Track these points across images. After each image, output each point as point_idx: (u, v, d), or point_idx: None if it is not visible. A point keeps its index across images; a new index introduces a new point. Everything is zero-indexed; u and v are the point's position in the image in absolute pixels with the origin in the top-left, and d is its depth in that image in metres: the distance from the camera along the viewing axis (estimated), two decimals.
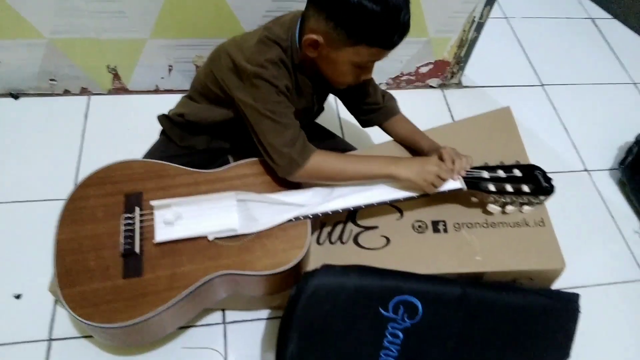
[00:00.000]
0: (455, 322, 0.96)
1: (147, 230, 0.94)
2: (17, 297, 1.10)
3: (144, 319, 0.86)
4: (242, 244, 0.94)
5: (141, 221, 0.95)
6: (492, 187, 1.03)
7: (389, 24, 0.85)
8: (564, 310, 1.06)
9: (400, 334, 0.94)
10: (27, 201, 1.23)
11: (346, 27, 0.85)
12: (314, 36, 0.89)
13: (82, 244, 0.92)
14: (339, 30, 0.86)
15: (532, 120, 1.54)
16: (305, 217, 0.97)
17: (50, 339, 1.05)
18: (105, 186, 0.99)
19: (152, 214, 0.95)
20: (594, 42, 1.88)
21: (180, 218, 0.95)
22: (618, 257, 1.32)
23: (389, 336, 0.94)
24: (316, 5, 0.88)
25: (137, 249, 0.91)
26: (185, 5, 1.27)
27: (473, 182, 1.03)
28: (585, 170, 1.49)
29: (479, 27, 1.46)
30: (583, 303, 1.14)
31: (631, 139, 1.46)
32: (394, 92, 1.20)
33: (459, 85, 1.64)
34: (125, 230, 0.93)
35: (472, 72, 1.65)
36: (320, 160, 0.96)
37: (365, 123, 1.21)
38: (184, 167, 1.02)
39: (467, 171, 1.03)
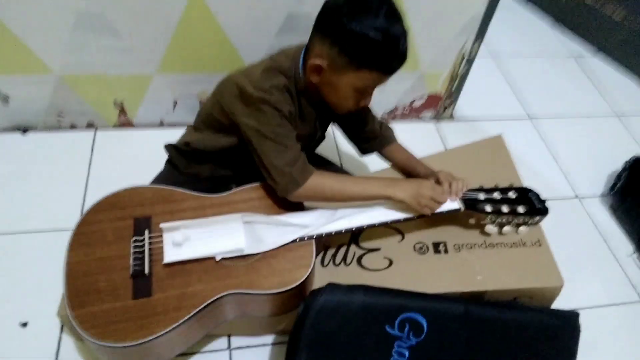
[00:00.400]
0: (459, 339, 0.98)
1: (156, 252, 0.96)
2: (24, 325, 1.10)
3: (153, 337, 0.86)
4: (249, 264, 0.96)
5: (150, 243, 0.97)
6: (488, 208, 1.07)
7: (389, 51, 0.91)
8: (565, 328, 1.08)
9: (407, 353, 0.96)
10: (34, 232, 1.25)
11: (350, 52, 0.91)
12: (318, 61, 0.95)
13: (92, 266, 0.94)
14: (342, 56, 0.92)
15: (522, 151, 1.60)
16: (310, 237, 1.00)
17: None
18: (115, 211, 1.02)
19: (160, 236, 0.98)
20: (577, 79, 1.98)
21: (188, 240, 0.97)
22: (613, 279, 1.35)
23: (395, 355, 0.95)
24: (322, 32, 0.95)
25: (146, 270, 0.93)
26: (190, 42, 1.33)
27: (470, 203, 1.07)
28: (577, 197, 1.54)
29: (469, 62, 1.54)
30: (585, 326, 1.18)
31: (618, 166, 1.52)
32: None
33: (451, 118, 1.71)
34: (135, 252, 0.96)
35: (464, 105, 1.73)
36: (319, 180, 1.00)
37: (363, 150, 1.26)
38: (191, 192, 1.06)
39: (464, 193, 1.08)
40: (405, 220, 1.04)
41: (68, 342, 1.09)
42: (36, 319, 1.11)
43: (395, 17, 0.93)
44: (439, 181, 1.07)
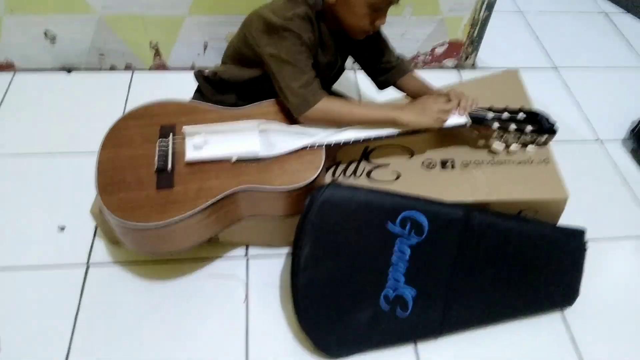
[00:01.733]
0: (460, 242, 1.02)
1: (179, 152, 1.05)
2: (62, 229, 1.22)
3: (172, 220, 0.95)
4: (262, 165, 1.04)
5: (174, 144, 1.06)
6: (495, 125, 1.11)
7: None
8: (570, 244, 1.11)
9: (408, 250, 1.01)
10: (74, 152, 1.37)
11: None
12: None
13: (121, 162, 1.04)
14: None
15: (545, 97, 1.59)
16: (320, 145, 1.06)
17: (88, 264, 1.16)
18: (143, 119, 1.11)
19: (183, 139, 1.07)
20: (607, 32, 1.95)
21: (207, 143, 1.06)
22: (632, 216, 1.35)
23: (397, 251, 1.01)
24: None
25: (169, 166, 1.02)
26: None
27: (477, 119, 1.10)
28: (598, 139, 1.54)
29: (490, 5, 1.56)
30: (599, 255, 1.19)
31: None
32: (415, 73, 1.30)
33: (474, 67, 1.74)
34: (160, 151, 1.05)
35: (487, 56, 1.75)
36: (329, 102, 1.05)
37: (381, 84, 1.30)
38: (213, 105, 1.14)
39: (472, 110, 1.11)
40: (413, 132, 1.09)
41: (100, 244, 1.19)
42: (72, 225, 1.22)
43: None
44: (449, 98, 1.11)
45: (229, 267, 1.17)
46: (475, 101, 1.12)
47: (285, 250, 1.21)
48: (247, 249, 1.21)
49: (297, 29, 1.04)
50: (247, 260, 1.19)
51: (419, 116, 1.06)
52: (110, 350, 1.04)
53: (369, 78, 1.32)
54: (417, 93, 1.25)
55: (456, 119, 1.09)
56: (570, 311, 1.14)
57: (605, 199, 1.39)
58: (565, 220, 1.14)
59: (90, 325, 1.07)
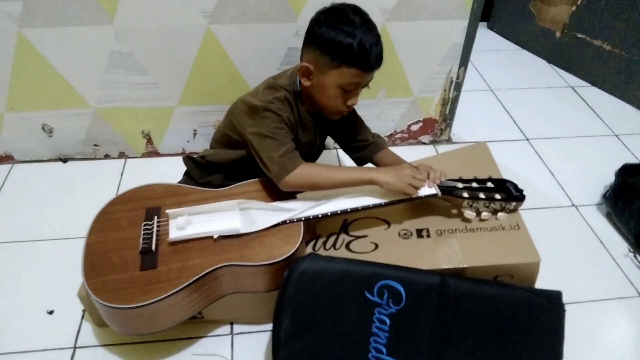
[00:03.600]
0: (438, 309, 1.04)
1: (163, 233, 1.10)
2: (50, 312, 1.23)
3: (156, 299, 0.98)
4: (243, 242, 1.08)
5: (158, 226, 1.11)
6: (465, 194, 1.16)
7: (362, 52, 1.07)
8: (548, 307, 1.11)
9: (387, 320, 1.03)
10: (66, 238, 1.42)
11: (330, 53, 1.08)
12: (306, 64, 1.12)
13: (107, 246, 1.09)
14: (324, 56, 1.09)
15: (519, 167, 1.69)
16: (299, 219, 1.11)
17: (75, 347, 1.17)
18: (129, 203, 1.17)
19: (167, 221, 1.12)
20: (575, 104, 2.07)
21: (190, 223, 1.11)
22: (611, 277, 1.37)
23: (376, 322, 1.02)
24: (308, 41, 1.14)
25: (153, 247, 1.07)
26: (206, 76, 1.54)
27: (447, 189, 1.17)
28: (573, 205, 1.59)
29: (458, 86, 1.68)
30: (581, 317, 1.21)
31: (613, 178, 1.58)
32: (390, 149, 1.39)
33: (449, 141, 1.83)
34: (144, 234, 1.10)
35: (461, 130, 1.85)
36: (309, 168, 1.13)
37: (358, 161, 1.38)
38: (196, 187, 1.21)
39: (442, 182, 1.18)
40: (387, 204, 1.15)
41: (87, 327, 1.20)
42: (61, 308, 1.24)
43: (366, 24, 1.10)
44: (419, 171, 1.18)
45: (213, 346, 1.18)
46: (443, 173, 1.19)
47: (270, 326, 1.21)
48: (232, 326, 1.22)
49: (277, 110, 1.14)
50: (232, 337, 1.20)
51: (394, 178, 1.12)
52: None
53: (348, 155, 1.40)
54: (390, 164, 1.32)
55: (427, 190, 1.15)
56: None
57: (585, 261, 1.41)
58: (546, 283, 1.16)
59: None
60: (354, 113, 1.34)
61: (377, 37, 1.11)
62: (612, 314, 1.29)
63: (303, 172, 1.11)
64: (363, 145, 1.36)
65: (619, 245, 1.46)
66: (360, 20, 1.10)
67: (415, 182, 1.13)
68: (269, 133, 1.13)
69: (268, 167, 1.13)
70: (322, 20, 1.11)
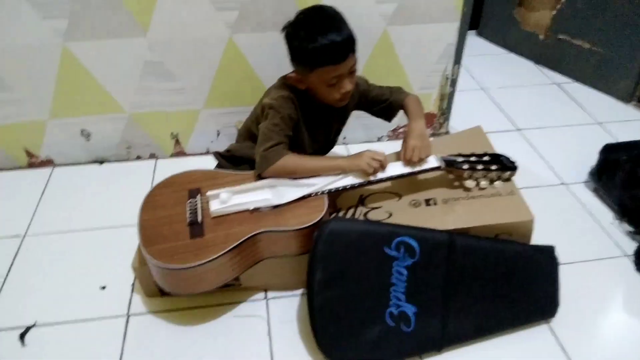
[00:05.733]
0: (448, 261, 1.20)
1: (205, 209, 1.26)
2: (103, 288, 1.39)
3: (206, 260, 1.14)
4: (276, 213, 1.25)
5: (201, 203, 1.28)
6: (465, 166, 1.34)
7: (325, 50, 1.19)
8: (543, 259, 1.29)
9: (405, 272, 1.19)
10: (116, 227, 1.58)
11: (302, 61, 1.25)
12: (294, 74, 1.30)
13: (158, 221, 1.25)
14: (300, 65, 1.26)
15: (513, 153, 1.80)
16: (322, 192, 1.28)
17: (129, 315, 1.32)
18: (173, 186, 1.34)
19: (207, 199, 1.28)
20: (560, 98, 2.27)
21: (229, 199, 1.27)
22: (599, 241, 1.54)
23: (395, 273, 1.19)
24: (289, 55, 1.29)
25: (199, 219, 1.23)
26: (228, 81, 1.72)
27: (449, 162, 1.34)
28: (563, 183, 1.77)
29: (453, 82, 1.87)
30: (572, 277, 1.36)
31: None
32: (393, 143, 1.54)
33: (447, 133, 2.01)
34: (189, 209, 1.26)
35: (458, 124, 2.03)
36: (287, 159, 1.27)
37: (388, 120, 1.53)
38: (231, 171, 1.38)
39: (445, 156, 1.35)
40: (396, 177, 1.32)
41: (137, 298, 1.36)
42: (112, 284, 1.40)
43: (324, 20, 1.22)
44: (405, 142, 1.34)
45: (251, 308, 1.34)
46: (428, 150, 1.33)
47: (299, 292, 1.38)
48: (265, 292, 1.38)
49: (279, 107, 1.30)
50: (267, 302, 1.35)
51: (353, 162, 1.29)
52: None
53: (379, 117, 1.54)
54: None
55: (432, 162, 1.33)
56: (556, 324, 1.29)
57: (575, 230, 1.58)
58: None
59: None
60: (366, 85, 1.47)
61: (337, 28, 1.20)
62: (602, 271, 1.45)
63: (281, 164, 1.26)
64: (386, 107, 1.48)
65: (606, 215, 1.64)
66: (318, 18, 1.23)
67: (373, 162, 1.28)
68: (265, 130, 1.29)
69: (255, 159, 1.30)
70: (288, 32, 1.27)
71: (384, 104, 1.47)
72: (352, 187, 1.30)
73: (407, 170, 1.32)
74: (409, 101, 1.44)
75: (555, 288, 1.29)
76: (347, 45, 1.22)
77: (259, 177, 1.31)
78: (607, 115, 2.14)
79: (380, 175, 1.31)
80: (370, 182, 1.30)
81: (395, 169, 1.33)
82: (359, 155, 1.31)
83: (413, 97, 1.46)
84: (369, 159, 1.29)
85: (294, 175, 1.29)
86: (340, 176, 1.30)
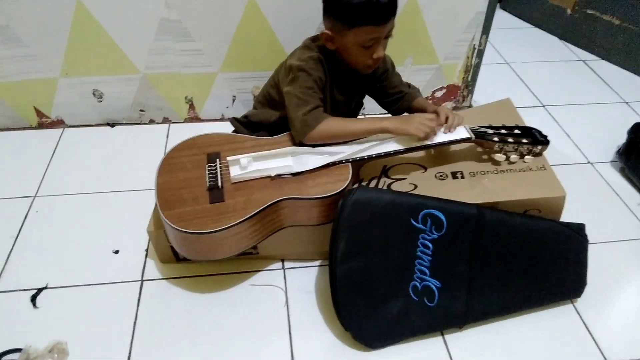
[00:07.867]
0: (475, 236, 1.16)
1: (225, 174, 1.22)
2: (116, 252, 1.35)
3: (226, 226, 1.10)
4: (298, 180, 1.20)
5: (220, 167, 1.23)
6: (495, 138, 1.28)
7: (370, 7, 1.14)
8: (572, 236, 1.24)
9: (430, 245, 1.15)
10: (128, 190, 1.54)
11: (341, 17, 1.17)
12: (326, 31, 1.23)
13: (177, 184, 1.20)
14: (338, 20, 1.18)
15: None
16: (346, 161, 1.23)
17: (142, 280, 1.29)
18: (191, 149, 1.29)
19: (227, 164, 1.23)
20: (587, 76, 2.19)
21: (249, 165, 1.22)
22: (625, 223, 1.49)
23: (420, 246, 1.14)
24: (324, 9, 1.22)
25: (219, 184, 1.19)
26: (247, 43, 1.66)
27: (480, 134, 1.28)
28: (589, 162, 1.71)
29: (480, 53, 1.80)
30: (597, 257, 1.32)
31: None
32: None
33: (470, 107, 1.94)
34: (209, 173, 1.22)
35: (481, 98, 1.96)
36: (329, 123, 1.22)
37: (395, 113, 1.46)
38: (250, 135, 1.33)
39: (475, 128, 1.29)
40: (422, 148, 1.27)
41: (151, 263, 1.33)
42: (125, 248, 1.36)
43: None
44: (438, 114, 1.29)
45: (268, 278, 1.30)
46: (461, 118, 1.29)
47: (317, 263, 1.34)
48: (283, 262, 1.34)
49: (309, 69, 1.24)
50: (284, 271, 1.32)
51: (402, 124, 1.23)
52: (167, 353, 1.14)
53: (386, 110, 1.50)
54: (420, 110, 1.40)
55: (461, 133, 1.27)
56: (580, 303, 1.26)
57: (602, 209, 1.54)
58: None
59: (148, 332, 1.18)
60: (391, 66, 1.42)
61: None
62: (627, 252, 1.41)
63: (323, 128, 1.21)
64: (397, 98, 1.44)
65: (633, 196, 1.59)
66: None
67: (423, 126, 1.22)
68: (298, 93, 1.23)
69: (294, 125, 1.23)
70: None
71: (400, 94, 1.42)
72: (379, 156, 1.24)
73: (439, 139, 1.26)
74: (423, 99, 1.43)
75: (584, 266, 1.25)
76: (392, 6, 1.17)
77: (300, 143, 1.25)
78: (635, 94, 2.07)
79: (411, 144, 1.25)
80: (408, 150, 1.25)
81: None
82: (407, 118, 1.25)
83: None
84: (419, 123, 1.23)
85: (337, 139, 1.24)
86: (375, 142, 1.25)
